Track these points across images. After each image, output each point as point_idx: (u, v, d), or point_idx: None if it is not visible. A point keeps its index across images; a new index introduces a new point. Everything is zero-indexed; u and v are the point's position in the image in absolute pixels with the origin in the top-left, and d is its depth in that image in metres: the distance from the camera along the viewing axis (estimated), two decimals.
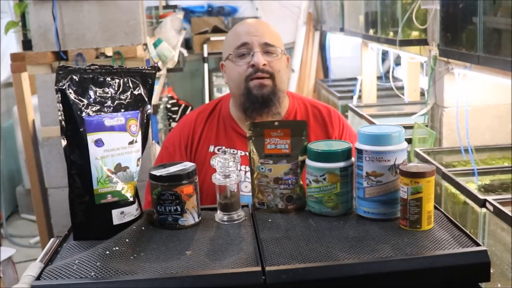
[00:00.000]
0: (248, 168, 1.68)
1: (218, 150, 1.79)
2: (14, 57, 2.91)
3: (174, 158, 1.80)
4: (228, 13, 6.47)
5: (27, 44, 2.80)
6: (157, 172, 1.30)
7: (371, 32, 3.78)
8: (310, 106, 1.87)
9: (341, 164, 1.30)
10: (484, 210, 1.95)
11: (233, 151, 1.78)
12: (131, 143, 1.29)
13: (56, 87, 1.25)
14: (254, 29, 1.76)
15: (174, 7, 6.13)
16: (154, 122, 3.42)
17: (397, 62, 4.78)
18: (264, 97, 1.72)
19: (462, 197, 2.14)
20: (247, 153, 1.41)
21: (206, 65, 5.95)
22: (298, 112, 1.84)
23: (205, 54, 5.89)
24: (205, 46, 5.85)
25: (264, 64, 1.72)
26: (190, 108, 5.46)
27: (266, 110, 1.74)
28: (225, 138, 1.80)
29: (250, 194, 1.43)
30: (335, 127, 1.83)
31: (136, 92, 1.33)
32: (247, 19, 1.91)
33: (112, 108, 1.28)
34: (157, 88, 3.66)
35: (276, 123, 1.39)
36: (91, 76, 1.29)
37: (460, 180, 2.18)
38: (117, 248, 1.17)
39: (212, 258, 1.15)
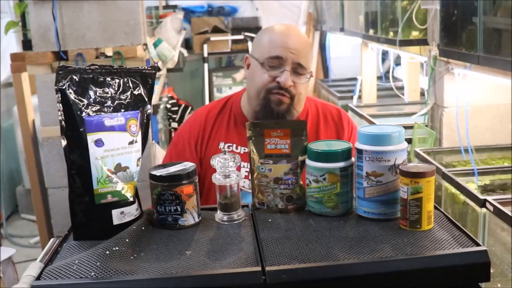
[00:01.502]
0: None
1: (229, 147, 1.79)
2: (14, 57, 2.90)
3: (184, 155, 1.79)
4: (228, 13, 6.46)
5: (27, 44, 2.80)
6: (157, 172, 1.30)
7: (371, 32, 3.78)
8: (321, 107, 1.88)
9: (341, 164, 1.30)
10: (484, 210, 1.95)
11: (244, 149, 1.78)
12: (131, 143, 1.29)
13: (56, 87, 1.25)
14: (292, 45, 1.71)
15: (174, 7, 6.13)
16: (154, 122, 3.42)
17: (397, 62, 4.77)
18: (280, 114, 1.73)
19: (462, 197, 2.14)
20: None
21: (206, 65, 5.94)
22: (309, 114, 1.85)
23: (205, 54, 5.88)
24: (205, 46, 5.85)
25: (290, 85, 1.70)
26: (190, 108, 5.45)
27: None
28: (237, 136, 1.80)
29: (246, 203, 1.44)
30: (345, 129, 1.85)
31: (136, 92, 1.33)
32: (291, 27, 1.80)
33: (112, 108, 1.28)
34: (157, 88, 3.66)
35: (276, 123, 1.39)
36: (91, 76, 1.29)
37: (460, 180, 2.18)
38: (117, 248, 1.17)
39: (212, 258, 1.15)
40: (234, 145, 1.79)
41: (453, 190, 2.22)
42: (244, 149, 1.78)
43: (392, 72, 4.28)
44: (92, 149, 1.24)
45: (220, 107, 1.87)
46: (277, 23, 1.85)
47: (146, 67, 1.37)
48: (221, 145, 1.80)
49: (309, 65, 1.76)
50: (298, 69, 1.72)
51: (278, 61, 1.71)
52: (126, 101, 1.31)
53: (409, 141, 2.78)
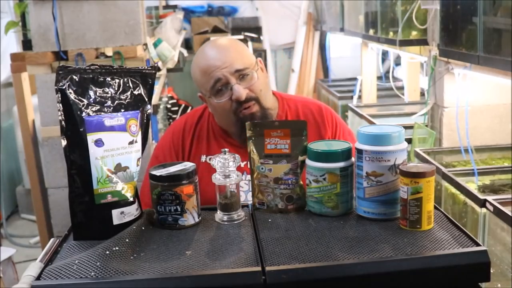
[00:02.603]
0: (243, 177, 1.67)
1: (210, 160, 1.76)
2: (14, 57, 2.91)
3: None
4: (228, 13, 6.47)
5: (27, 44, 2.80)
6: (157, 172, 1.30)
7: (371, 32, 3.78)
8: (301, 106, 1.82)
9: (341, 164, 1.30)
10: (484, 210, 1.95)
11: None
12: (131, 143, 1.29)
13: (56, 87, 1.26)
14: (220, 62, 1.66)
15: (174, 7, 6.13)
16: (154, 122, 3.41)
17: (397, 62, 4.77)
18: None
19: (462, 197, 2.14)
20: (241, 163, 1.39)
21: None
22: (288, 115, 1.80)
23: None
24: None
25: (247, 94, 1.66)
26: (190, 108, 5.45)
27: None
28: (218, 148, 1.75)
29: (246, 203, 1.43)
30: (327, 126, 1.79)
31: (136, 92, 1.33)
32: (206, 48, 1.75)
33: (112, 108, 1.28)
34: (157, 88, 3.65)
35: (276, 123, 1.39)
36: (91, 76, 1.29)
37: (460, 180, 2.18)
38: (117, 248, 1.17)
39: (212, 258, 1.15)
40: None
41: (453, 190, 2.22)
42: None
43: (392, 72, 4.28)
44: (92, 149, 1.24)
45: (197, 117, 1.83)
46: (198, 52, 1.79)
47: (146, 67, 1.37)
48: (203, 158, 1.76)
49: (248, 62, 1.69)
50: (242, 74, 1.66)
51: (220, 83, 1.66)
52: (126, 101, 1.31)
53: (409, 141, 2.78)
